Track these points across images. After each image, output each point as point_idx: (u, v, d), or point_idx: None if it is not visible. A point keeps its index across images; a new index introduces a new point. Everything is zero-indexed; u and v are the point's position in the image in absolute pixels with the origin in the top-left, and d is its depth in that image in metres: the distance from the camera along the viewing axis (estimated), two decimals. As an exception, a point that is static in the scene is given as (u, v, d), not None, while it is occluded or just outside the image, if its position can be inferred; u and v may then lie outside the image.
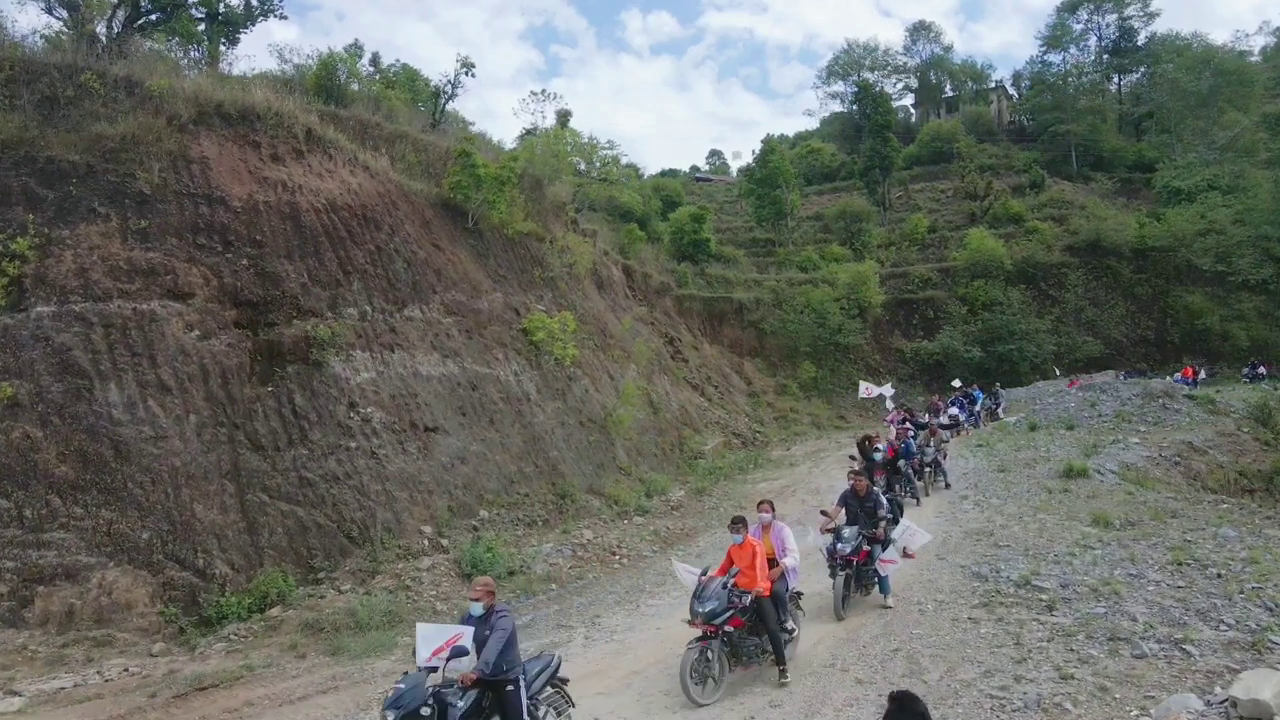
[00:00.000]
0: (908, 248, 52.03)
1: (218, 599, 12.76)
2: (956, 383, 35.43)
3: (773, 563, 9.66)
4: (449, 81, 33.50)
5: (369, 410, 16.24)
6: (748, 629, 9.20)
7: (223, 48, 29.08)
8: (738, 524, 9.69)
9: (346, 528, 14.73)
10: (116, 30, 23.17)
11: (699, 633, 8.87)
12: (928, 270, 48.33)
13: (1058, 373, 41.11)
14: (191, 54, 29.03)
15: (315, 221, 17.50)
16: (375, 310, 17.81)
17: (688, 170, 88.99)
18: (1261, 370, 36.54)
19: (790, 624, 9.74)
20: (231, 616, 12.57)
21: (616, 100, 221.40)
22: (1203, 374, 37.95)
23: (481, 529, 16.47)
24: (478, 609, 7.10)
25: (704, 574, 9.25)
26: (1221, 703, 6.25)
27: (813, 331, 41.19)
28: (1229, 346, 41.73)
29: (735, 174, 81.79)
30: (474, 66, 32.57)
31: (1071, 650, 9.10)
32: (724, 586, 8.99)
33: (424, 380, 17.91)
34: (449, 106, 35.65)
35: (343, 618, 12.48)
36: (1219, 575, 11.13)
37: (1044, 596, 11.00)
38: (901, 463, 18.15)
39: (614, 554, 17.05)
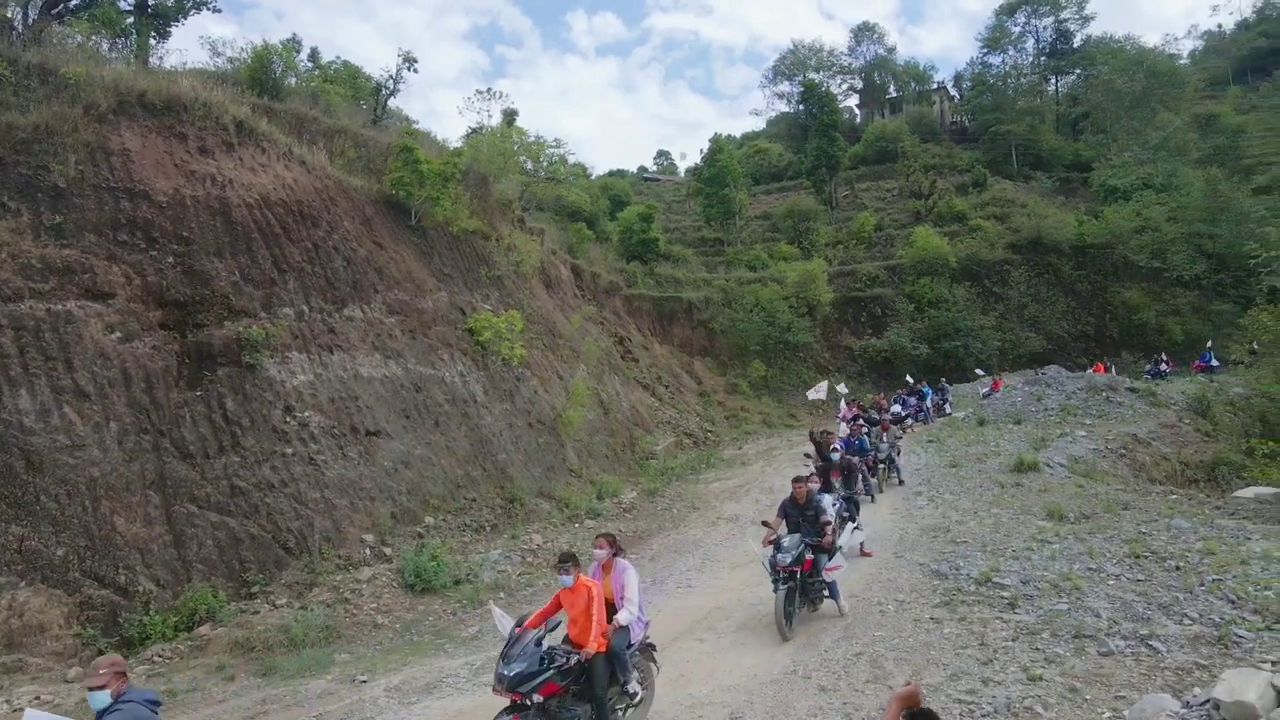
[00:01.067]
0: (855, 246, 52.29)
1: (141, 618, 11.90)
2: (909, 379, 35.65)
3: (613, 612, 7.78)
4: (391, 77, 32.66)
5: (306, 414, 15.47)
6: (573, 695, 7.25)
7: (153, 41, 27.83)
8: (567, 562, 7.57)
9: (282, 538, 13.95)
10: (33, 17, 21.93)
11: (507, 702, 6.97)
12: (875, 268, 48.63)
13: (980, 373, 40.18)
14: (119, 47, 27.74)
15: (247, 217, 16.66)
16: (313, 310, 17.01)
17: (635, 170, 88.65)
18: (1164, 367, 36.82)
19: (633, 686, 7.78)
20: (155, 636, 11.73)
21: (563, 101, 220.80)
22: (1113, 370, 38.53)
23: (426, 536, 15.81)
24: (100, 700, 5.12)
25: (519, 624, 7.24)
26: (1203, 704, 5.99)
27: (762, 330, 41.11)
28: (1164, 340, 42.63)
29: (683, 174, 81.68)
30: (416, 61, 31.83)
31: (1037, 649, 8.87)
32: (536, 643, 7.02)
33: (365, 382, 17.17)
34: (391, 103, 34.73)
35: (276, 635, 11.74)
36: (1177, 568, 11.04)
37: (1005, 594, 10.79)
38: (856, 459, 17.96)
39: (565, 559, 16.48)
